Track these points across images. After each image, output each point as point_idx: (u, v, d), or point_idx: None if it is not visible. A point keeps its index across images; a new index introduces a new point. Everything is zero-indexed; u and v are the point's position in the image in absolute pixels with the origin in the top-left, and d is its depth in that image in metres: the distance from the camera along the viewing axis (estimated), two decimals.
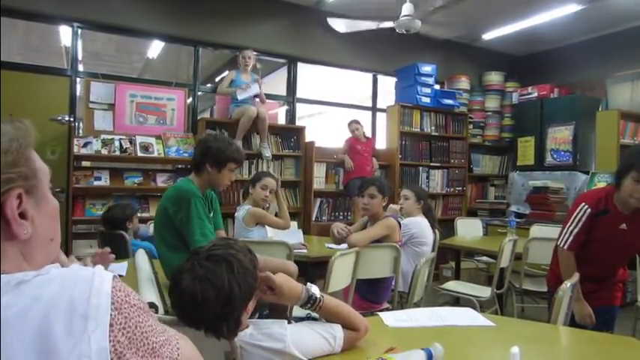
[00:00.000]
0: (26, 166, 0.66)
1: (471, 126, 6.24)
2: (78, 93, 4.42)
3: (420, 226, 3.29)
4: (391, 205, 3.21)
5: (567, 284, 1.86)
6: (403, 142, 5.58)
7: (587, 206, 2.21)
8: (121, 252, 3.10)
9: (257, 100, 4.74)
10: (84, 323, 0.55)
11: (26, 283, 0.57)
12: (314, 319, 1.30)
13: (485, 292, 3.35)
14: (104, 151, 4.14)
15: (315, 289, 1.24)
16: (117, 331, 0.57)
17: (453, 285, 3.61)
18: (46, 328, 0.54)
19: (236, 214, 3.19)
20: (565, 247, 2.26)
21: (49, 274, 0.60)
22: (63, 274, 0.60)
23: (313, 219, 5.05)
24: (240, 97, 4.58)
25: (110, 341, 0.56)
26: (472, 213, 6.03)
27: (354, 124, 5.21)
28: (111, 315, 0.57)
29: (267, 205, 3.33)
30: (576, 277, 1.96)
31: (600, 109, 5.51)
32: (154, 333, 0.63)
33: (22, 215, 0.65)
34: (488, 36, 6.02)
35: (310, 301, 1.22)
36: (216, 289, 1.04)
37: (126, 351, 0.57)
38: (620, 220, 2.17)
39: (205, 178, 2.28)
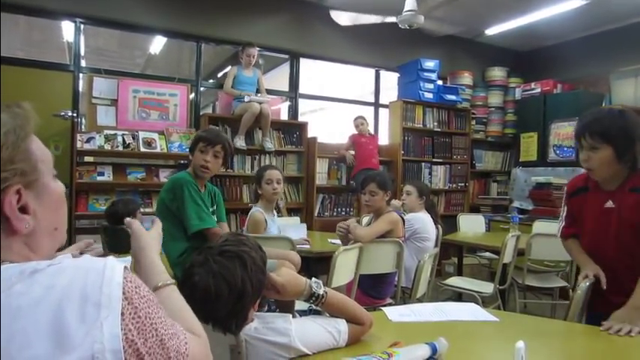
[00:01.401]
0: (24, 162, 0.64)
1: (473, 122, 6.22)
2: (80, 88, 4.42)
3: (423, 221, 3.29)
4: (393, 201, 3.22)
5: (586, 283, 1.80)
6: (406, 138, 5.58)
7: (566, 187, 2.05)
8: (125, 247, 3.11)
9: (260, 95, 4.74)
10: (97, 311, 0.56)
11: (40, 272, 0.58)
12: (316, 312, 1.30)
13: (487, 287, 3.36)
14: (107, 147, 4.15)
15: (318, 285, 1.24)
16: (127, 320, 0.58)
17: (455, 281, 3.62)
18: (59, 316, 0.55)
19: None
20: (559, 235, 2.08)
21: (62, 263, 0.60)
22: (75, 264, 0.61)
23: (316, 214, 5.06)
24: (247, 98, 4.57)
25: (122, 329, 0.57)
26: (474, 209, 6.03)
27: (359, 119, 5.24)
28: (122, 304, 0.58)
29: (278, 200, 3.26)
30: (591, 269, 1.84)
31: (604, 105, 5.49)
32: (163, 325, 0.64)
33: (24, 209, 0.65)
34: (491, 31, 5.99)
35: (313, 297, 1.22)
36: (230, 285, 1.04)
37: (136, 339, 0.58)
38: (604, 197, 1.87)
39: (191, 166, 2.37)
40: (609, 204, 1.86)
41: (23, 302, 0.55)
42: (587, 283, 1.78)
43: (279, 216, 3.42)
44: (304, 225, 3.66)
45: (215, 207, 2.44)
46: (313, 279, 1.24)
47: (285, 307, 1.29)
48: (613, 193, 1.86)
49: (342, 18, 4.63)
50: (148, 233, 0.98)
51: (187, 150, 4.41)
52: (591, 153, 1.79)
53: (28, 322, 0.54)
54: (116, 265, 0.61)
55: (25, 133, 0.65)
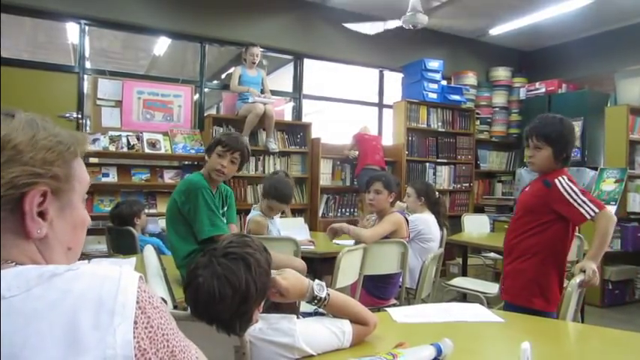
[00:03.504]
0: (61, 167, 0.67)
1: (477, 122, 6.20)
2: (85, 90, 4.44)
3: (426, 222, 3.29)
4: (398, 202, 3.22)
5: (576, 279, 1.85)
6: (410, 138, 5.57)
7: None
8: (129, 248, 3.13)
9: (264, 95, 4.74)
10: (110, 318, 0.57)
11: (58, 277, 0.59)
12: (322, 314, 1.30)
13: (492, 288, 3.34)
14: (112, 148, 4.16)
15: (321, 288, 1.23)
16: (140, 329, 0.58)
17: (460, 281, 3.61)
18: (74, 321, 0.55)
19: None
20: None
21: (80, 269, 0.61)
22: (92, 271, 0.61)
23: (320, 215, 5.05)
24: (252, 99, 4.57)
25: (134, 337, 0.57)
26: (479, 209, 6.01)
27: (363, 124, 5.32)
28: (135, 313, 0.58)
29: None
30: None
31: (609, 105, 5.46)
32: (175, 337, 0.64)
33: (42, 214, 0.65)
34: (496, 31, 5.97)
35: (316, 299, 1.22)
36: (234, 287, 1.04)
37: (148, 348, 0.59)
38: (528, 184, 2.39)
39: (206, 167, 2.36)
40: (527, 189, 2.34)
41: (40, 305, 0.56)
42: (578, 280, 1.82)
43: (282, 217, 3.40)
44: (306, 226, 3.64)
45: (226, 208, 2.43)
46: (316, 281, 1.24)
47: (288, 307, 1.28)
48: (534, 181, 2.30)
49: (362, 27, 4.65)
50: None
51: (191, 151, 4.45)
52: (536, 151, 2.19)
53: (43, 325, 0.54)
54: (131, 275, 0.62)
55: (75, 150, 0.70)
